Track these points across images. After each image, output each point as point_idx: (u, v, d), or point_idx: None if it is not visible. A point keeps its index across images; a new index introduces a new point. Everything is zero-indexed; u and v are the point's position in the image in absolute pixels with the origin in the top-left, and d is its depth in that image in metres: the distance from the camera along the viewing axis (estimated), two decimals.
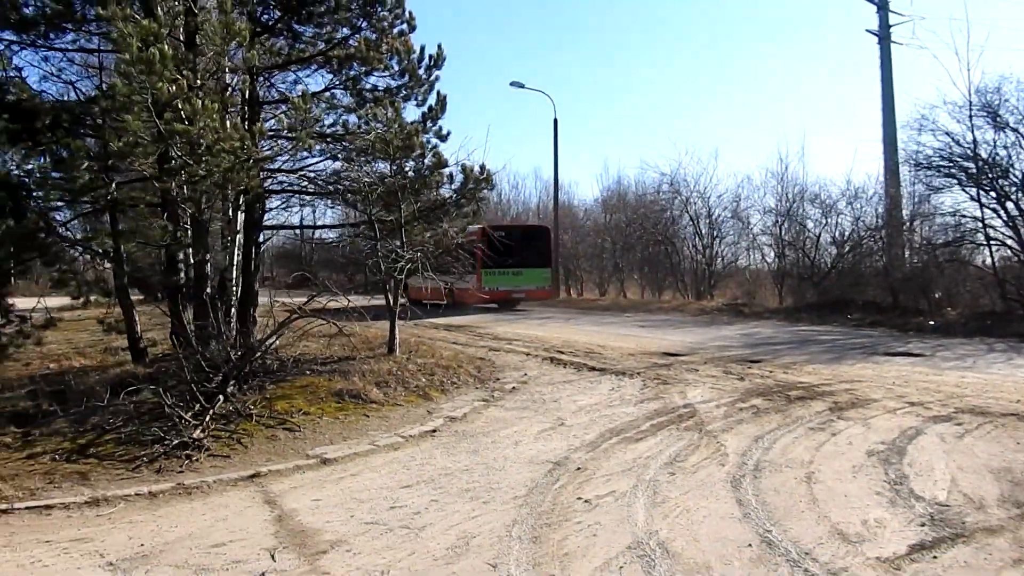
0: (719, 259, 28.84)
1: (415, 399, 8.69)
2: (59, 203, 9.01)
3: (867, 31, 25.55)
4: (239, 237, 12.45)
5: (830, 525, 4.50)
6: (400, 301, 11.08)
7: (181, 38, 10.05)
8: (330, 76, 12.36)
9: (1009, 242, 18.57)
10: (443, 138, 12.32)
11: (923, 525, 4.50)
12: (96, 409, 7.77)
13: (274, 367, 9.28)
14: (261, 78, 11.51)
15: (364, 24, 11.47)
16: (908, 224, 22.09)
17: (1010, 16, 53.00)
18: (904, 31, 25.23)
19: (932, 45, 51.34)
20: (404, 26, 11.80)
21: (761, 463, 5.86)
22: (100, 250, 9.94)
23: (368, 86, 11.86)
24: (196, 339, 8.99)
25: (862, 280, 21.48)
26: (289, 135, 10.26)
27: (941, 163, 19.73)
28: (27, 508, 5.24)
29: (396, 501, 5.22)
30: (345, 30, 11.65)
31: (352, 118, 11.98)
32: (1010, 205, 18.30)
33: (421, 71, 11.91)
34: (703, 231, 28.54)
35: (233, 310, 11.54)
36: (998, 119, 18.29)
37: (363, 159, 11.18)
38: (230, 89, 10.75)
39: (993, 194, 18.67)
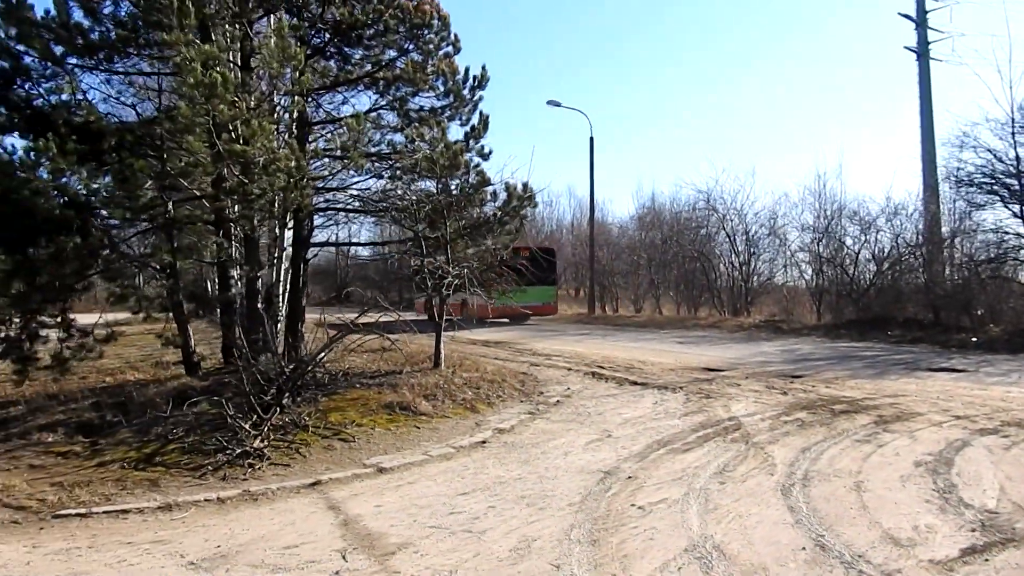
0: (756, 276, 28.76)
1: (463, 411, 8.88)
2: (122, 221, 9.29)
3: (906, 48, 25.49)
4: (286, 254, 12.79)
5: (881, 530, 4.61)
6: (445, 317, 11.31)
7: (237, 62, 10.42)
8: (375, 96, 12.70)
9: None
10: (485, 156, 12.58)
11: (974, 530, 4.60)
12: (158, 420, 8.07)
13: (325, 380, 9.53)
14: (309, 99, 11.85)
15: (411, 46, 11.79)
16: (949, 241, 21.94)
17: None
18: (943, 48, 25.14)
19: (973, 62, 50.96)
20: (450, 48, 12.11)
21: (809, 473, 5.97)
22: (158, 266, 10.29)
23: (415, 106, 12.17)
24: (243, 353, 9.25)
25: (902, 297, 21.32)
26: (341, 155, 10.55)
27: (983, 180, 19.65)
28: (104, 512, 5.50)
29: (455, 507, 5.41)
30: (392, 52, 11.98)
31: (398, 137, 12.30)
32: None
33: (465, 91, 12.21)
34: (740, 248, 28.52)
35: (280, 325, 11.86)
36: None
37: (409, 177, 11.45)
38: (281, 110, 11.10)
39: None
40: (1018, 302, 19.11)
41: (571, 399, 9.90)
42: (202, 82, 7.96)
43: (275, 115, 10.55)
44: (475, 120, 12.56)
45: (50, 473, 6.56)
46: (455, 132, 14.47)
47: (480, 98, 12.42)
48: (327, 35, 11.82)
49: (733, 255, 28.87)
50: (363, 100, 13.05)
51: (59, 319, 9.60)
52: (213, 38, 9.68)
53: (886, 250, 22.68)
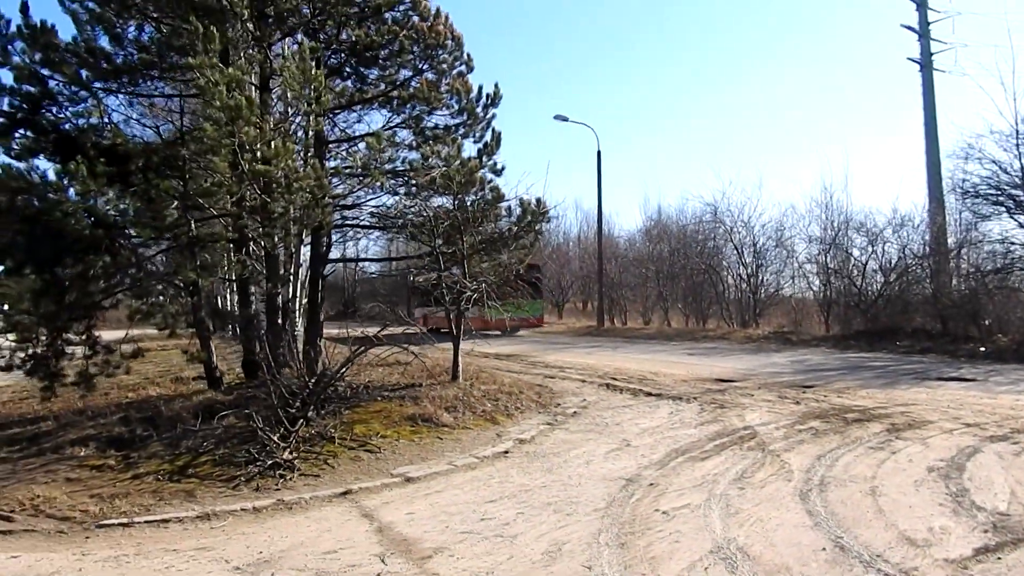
0: (764, 288, 28.89)
1: (483, 423, 9.07)
2: (148, 240, 9.53)
3: (909, 59, 25.65)
4: (302, 269, 13.04)
5: (898, 532, 4.79)
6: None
7: (256, 84, 10.69)
8: (389, 114, 12.98)
9: None
10: (498, 172, 12.84)
11: (986, 531, 4.78)
12: (187, 433, 8.28)
13: (347, 394, 9.71)
14: (326, 118, 12.13)
15: (426, 66, 12.07)
16: (955, 251, 22.08)
17: None
18: (947, 59, 25.16)
19: (976, 74, 51.06)
20: (463, 67, 12.39)
21: (826, 478, 6.15)
22: (181, 284, 10.52)
23: (430, 124, 12.43)
24: (269, 368, 9.46)
25: (910, 307, 21.46)
26: (361, 172, 10.80)
27: (989, 191, 19.84)
28: (146, 522, 5.70)
29: (485, 514, 5.60)
30: (407, 72, 12.27)
31: (412, 155, 12.56)
32: None
33: (479, 109, 12.47)
34: (747, 260, 28.66)
35: (297, 340, 12.10)
36: None
37: (427, 194, 11.69)
38: (299, 129, 11.37)
39: None
40: None
41: (588, 410, 10.07)
42: (228, 105, 8.22)
43: (294, 135, 10.83)
44: (488, 137, 12.83)
45: (87, 486, 6.76)
46: (468, 149, 14.78)
47: (493, 116, 12.72)
48: (343, 56, 12.11)
49: (741, 267, 29.03)
50: (376, 118, 13.36)
51: (84, 336, 9.83)
52: (234, 61, 9.95)
53: (893, 261, 22.83)
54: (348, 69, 12.36)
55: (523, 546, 4.82)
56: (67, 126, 9.72)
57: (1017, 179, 18.93)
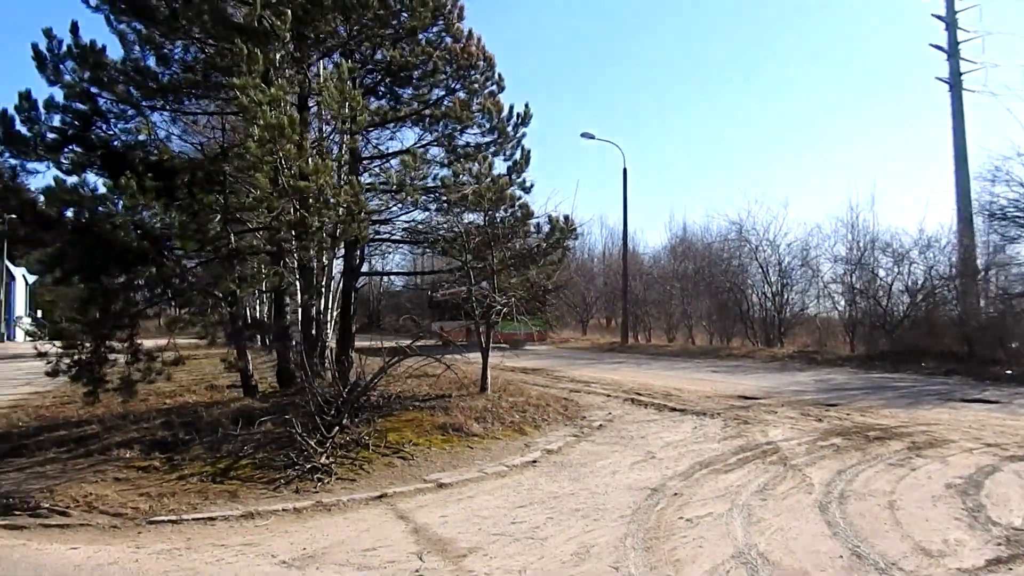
0: (789, 307, 28.90)
1: (511, 433, 9.32)
2: (192, 253, 9.88)
3: (937, 79, 25.64)
4: (335, 282, 13.37)
5: (913, 543, 4.99)
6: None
7: (294, 102, 11.06)
8: (421, 132, 13.32)
9: None
10: (527, 190, 13.13)
11: (1000, 544, 4.97)
12: (227, 438, 8.61)
13: (380, 403, 10.01)
14: (360, 135, 12.49)
15: (458, 86, 12.41)
16: (983, 274, 22.06)
17: None
18: (977, 79, 25.05)
19: (1003, 95, 50.58)
20: (494, 87, 12.72)
21: (845, 492, 6.34)
22: (220, 294, 10.87)
23: (461, 142, 12.75)
24: (306, 376, 9.76)
25: (936, 329, 21.44)
26: (396, 189, 11.12)
27: (1017, 214, 19.85)
28: (193, 519, 6.02)
29: (515, 518, 5.86)
30: (439, 91, 12.62)
31: (443, 171, 12.88)
32: None
33: (510, 128, 12.77)
34: (772, 279, 28.70)
35: (329, 350, 12.42)
36: None
37: (458, 210, 11.99)
38: (335, 146, 11.74)
39: None
40: None
41: (613, 423, 10.30)
42: (271, 124, 8.58)
43: (330, 152, 11.20)
44: (517, 155, 13.13)
45: (135, 485, 7.07)
46: (498, 167, 15.09)
47: (523, 134, 13.00)
48: (378, 75, 12.50)
49: (766, 285, 29.07)
50: (408, 135, 13.68)
51: (127, 344, 10.19)
52: (274, 81, 10.33)
53: (919, 282, 22.83)
54: (383, 88, 12.74)
55: (553, 548, 5.08)
56: (116, 143, 10.12)
57: None
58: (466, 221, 12.19)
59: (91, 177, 10.10)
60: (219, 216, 9.89)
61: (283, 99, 9.55)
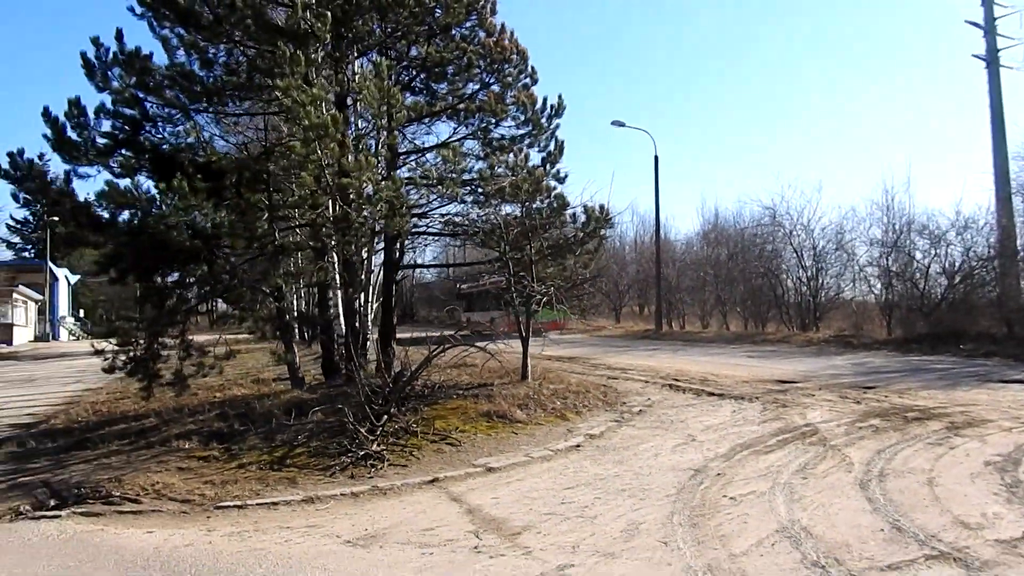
0: (823, 291, 28.79)
1: (554, 419, 9.55)
2: (241, 250, 10.21)
3: (974, 56, 25.30)
4: (375, 276, 13.67)
5: (952, 516, 5.16)
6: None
7: (333, 101, 11.34)
8: (455, 126, 13.57)
9: None
10: (561, 180, 13.33)
11: None
12: (281, 427, 8.96)
13: (424, 392, 10.29)
14: (397, 131, 12.76)
15: (492, 80, 12.63)
16: (1022, 254, 21.85)
17: None
18: (1014, 55, 24.70)
19: None
20: (528, 79, 12.93)
21: (885, 470, 6.50)
22: (266, 290, 11.22)
23: (496, 135, 12.98)
24: (355, 367, 10.05)
25: (974, 311, 21.30)
26: (436, 182, 11.39)
27: None
28: (257, 504, 6.33)
29: (564, 499, 6.10)
30: (474, 85, 12.85)
31: (479, 164, 13.12)
32: None
33: (544, 120, 12.97)
34: (807, 263, 28.61)
35: (373, 342, 12.74)
36: None
37: (496, 202, 12.23)
38: (375, 143, 12.02)
39: None
40: None
41: (652, 408, 10.49)
42: (315, 123, 8.86)
43: (370, 148, 11.48)
44: (551, 146, 13.33)
45: (198, 474, 7.41)
46: (533, 158, 15.30)
47: (557, 126, 13.20)
48: (414, 71, 12.77)
49: (800, 270, 28.98)
50: (442, 129, 13.95)
51: (179, 340, 10.56)
52: (315, 81, 10.62)
53: (957, 264, 22.66)
54: (418, 84, 13.01)
55: (603, 525, 5.31)
56: (165, 146, 10.48)
57: None
58: (503, 212, 12.40)
59: (143, 180, 10.50)
60: (266, 214, 10.23)
61: (327, 99, 9.84)
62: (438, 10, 11.70)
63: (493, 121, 12.82)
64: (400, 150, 13.53)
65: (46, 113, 10.07)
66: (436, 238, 17.98)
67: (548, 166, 13.18)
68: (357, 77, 11.94)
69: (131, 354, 10.19)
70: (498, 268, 12.61)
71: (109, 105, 10.42)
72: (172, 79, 10.63)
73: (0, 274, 41.24)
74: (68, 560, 5.13)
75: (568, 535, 5.12)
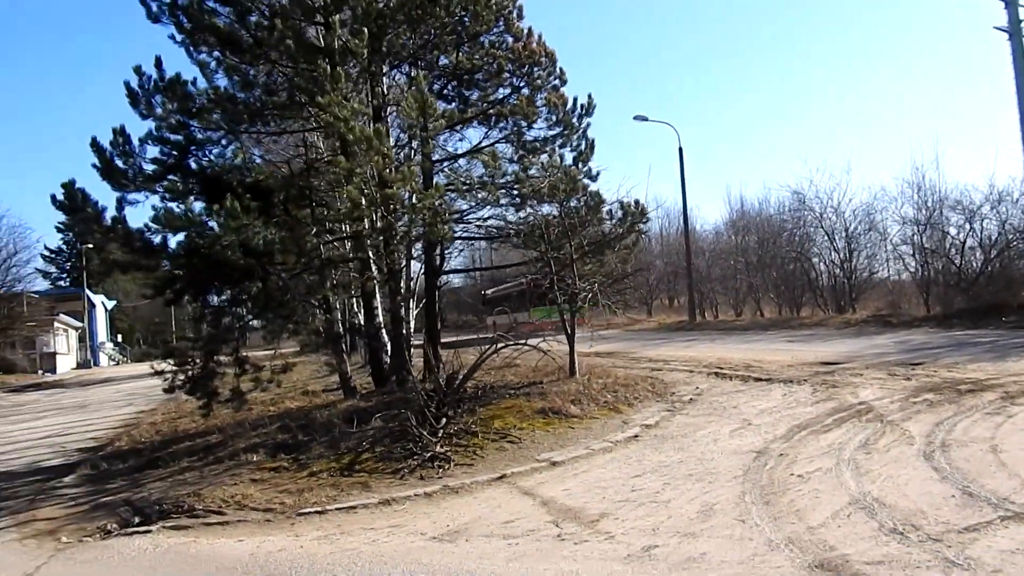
0: (857, 273, 28.69)
1: (607, 412, 9.72)
2: (292, 265, 10.48)
3: (995, 28, 25.10)
4: (415, 283, 13.93)
5: (1021, 480, 5.28)
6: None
7: (370, 114, 11.60)
8: (485, 130, 13.79)
9: None
10: (593, 178, 13.51)
11: None
12: (343, 435, 9.20)
13: (477, 393, 10.50)
14: (432, 140, 13.00)
15: (522, 84, 12.85)
16: None
17: None
18: None
19: None
20: (556, 81, 13.13)
21: (946, 441, 6.61)
22: (316, 302, 11.50)
23: (529, 137, 13.18)
24: (409, 373, 10.31)
25: (1014, 283, 21.21)
26: (476, 188, 11.62)
27: None
28: (336, 509, 6.57)
29: (634, 486, 6.28)
30: (504, 90, 13.08)
31: (513, 167, 13.32)
32: None
33: (574, 120, 13.15)
34: (839, 245, 28.54)
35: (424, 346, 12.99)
36: None
37: (531, 203, 12.43)
38: (412, 152, 12.28)
39: None
40: None
41: (702, 396, 10.62)
42: (360, 137, 9.12)
43: (410, 159, 11.75)
44: (582, 145, 13.50)
45: (272, 484, 7.67)
46: (566, 158, 15.48)
47: (588, 125, 13.38)
48: (445, 80, 13.02)
49: (833, 252, 28.92)
50: (472, 134, 14.12)
51: (233, 356, 10.85)
52: (353, 96, 10.88)
53: (993, 237, 22.55)
54: (449, 92, 13.25)
55: (677, 508, 5.49)
56: (211, 169, 10.77)
57: None
58: (546, 213, 12.59)
59: (193, 204, 10.78)
60: (313, 229, 10.49)
61: (367, 113, 10.10)
62: (467, 19, 11.92)
63: (525, 124, 13.02)
64: (433, 157, 13.78)
65: (94, 143, 10.41)
66: (470, 243, 18.17)
67: (580, 164, 13.35)
68: (391, 90, 12.23)
69: (189, 373, 10.49)
70: (539, 268, 12.79)
71: (155, 131, 10.76)
72: (215, 102, 10.91)
73: (41, 304, 41.97)
74: (170, 569, 5.41)
75: (646, 519, 5.30)
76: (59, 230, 66.88)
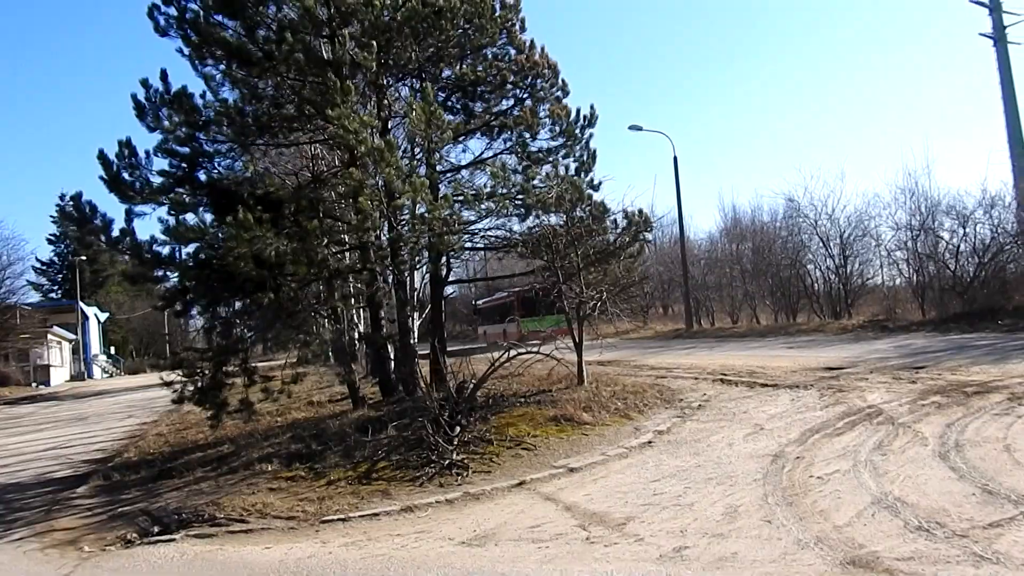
0: (852, 278, 28.91)
1: (619, 419, 9.80)
2: (303, 276, 10.53)
3: (981, 35, 25.48)
4: (419, 293, 13.99)
5: None
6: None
7: (378, 127, 11.68)
8: (488, 142, 13.89)
9: None
10: (595, 188, 13.59)
11: None
12: (357, 445, 9.25)
13: (488, 402, 10.58)
14: (437, 151, 13.10)
15: (526, 95, 12.96)
16: None
17: None
18: (1022, 31, 25.03)
19: None
20: (559, 92, 13.23)
21: (960, 442, 6.73)
22: (324, 313, 11.57)
23: (533, 148, 13.27)
24: (417, 383, 10.37)
25: (1009, 287, 21.44)
26: (485, 198, 11.71)
27: None
28: (359, 516, 6.64)
29: (655, 490, 6.37)
30: (508, 102, 13.19)
31: (516, 177, 13.41)
32: None
33: (577, 131, 13.25)
34: (834, 251, 28.76)
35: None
36: None
37: (537, 213, 12.51)
38: (417, 164, 12.36)
39: None
40: None
41: (711, 403, 10.71)
42: (371, 148, 9.21)
43: (416, 171, 11.83)
44: (585, 156, 13.61)
45: (291, 493, 7.73)
46: (569, 168, 15.56)
47: (591, 135, 13.46)
48: (449, 92, 13.12)
49: (828, 259, 29.15)
50: (474, 145, 14.21)
51: (241, 367, 10.90)
52: (360, 108, 10.97)
53: (987, 241, 22.77)
54: (453, 103, 13.35)
55: (702, 511, 5.58)
56: (220, 181, 10.83)
57: None
58: (546, 223, 12.68)
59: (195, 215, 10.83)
60: (324, 240, 10.56)
61: (374, 125, 10.19)
62: (471, 32, 12.04)
63: (529, 135, 13.11)
64: (438, 168, 13.87)
65: (101, 155, 10.44)
66: (468, 254, 18.23)
67: (583, 174, 13.45)
68: (395, 102, 12.33)
69: (198, 384, 10.54)
70: (546, 277, 12.86)
71: (163, 144, 10.81)
72: (223, 115, 10.98)
73: (34, 316, 41.86)
74: None
75: (672, 522, 5.39)
76: (50, 242, 67.03)
